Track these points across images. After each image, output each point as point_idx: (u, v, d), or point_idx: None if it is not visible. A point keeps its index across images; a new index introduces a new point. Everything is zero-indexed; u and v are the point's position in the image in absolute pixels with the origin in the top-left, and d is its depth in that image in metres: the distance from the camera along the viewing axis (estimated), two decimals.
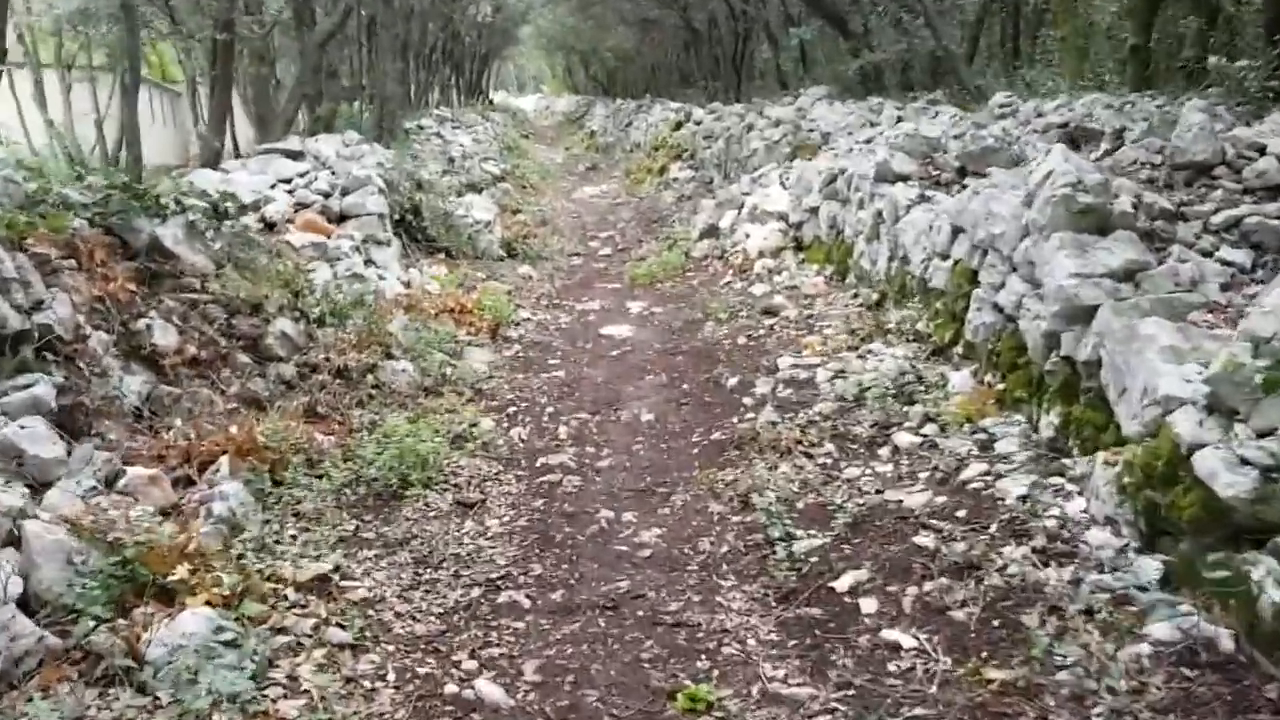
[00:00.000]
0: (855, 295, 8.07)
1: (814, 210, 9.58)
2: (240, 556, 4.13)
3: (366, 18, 21.03)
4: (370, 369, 6.71)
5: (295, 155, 10.65)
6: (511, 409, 6.67)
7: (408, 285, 9.33)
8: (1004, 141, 7.69)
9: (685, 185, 16.99)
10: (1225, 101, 6.23)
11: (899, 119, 11.51)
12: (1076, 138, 7.22)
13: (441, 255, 10.96)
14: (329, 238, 9.34)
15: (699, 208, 13.94)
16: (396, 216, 10.51)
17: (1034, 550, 3.83)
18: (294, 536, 4.50)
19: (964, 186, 7.49)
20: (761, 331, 7.77)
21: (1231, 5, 6.76)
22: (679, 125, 20.71)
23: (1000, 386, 5.21)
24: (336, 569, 4.23)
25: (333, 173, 10.41)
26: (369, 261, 9.49)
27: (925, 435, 5.06)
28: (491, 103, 46.56)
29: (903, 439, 5.06)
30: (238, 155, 12.80)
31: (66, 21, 22.53)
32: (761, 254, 10.04)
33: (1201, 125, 5.43)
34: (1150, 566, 3.51)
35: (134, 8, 10.08)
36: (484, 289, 9.89)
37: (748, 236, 10.56)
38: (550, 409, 6.67)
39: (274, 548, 4.32)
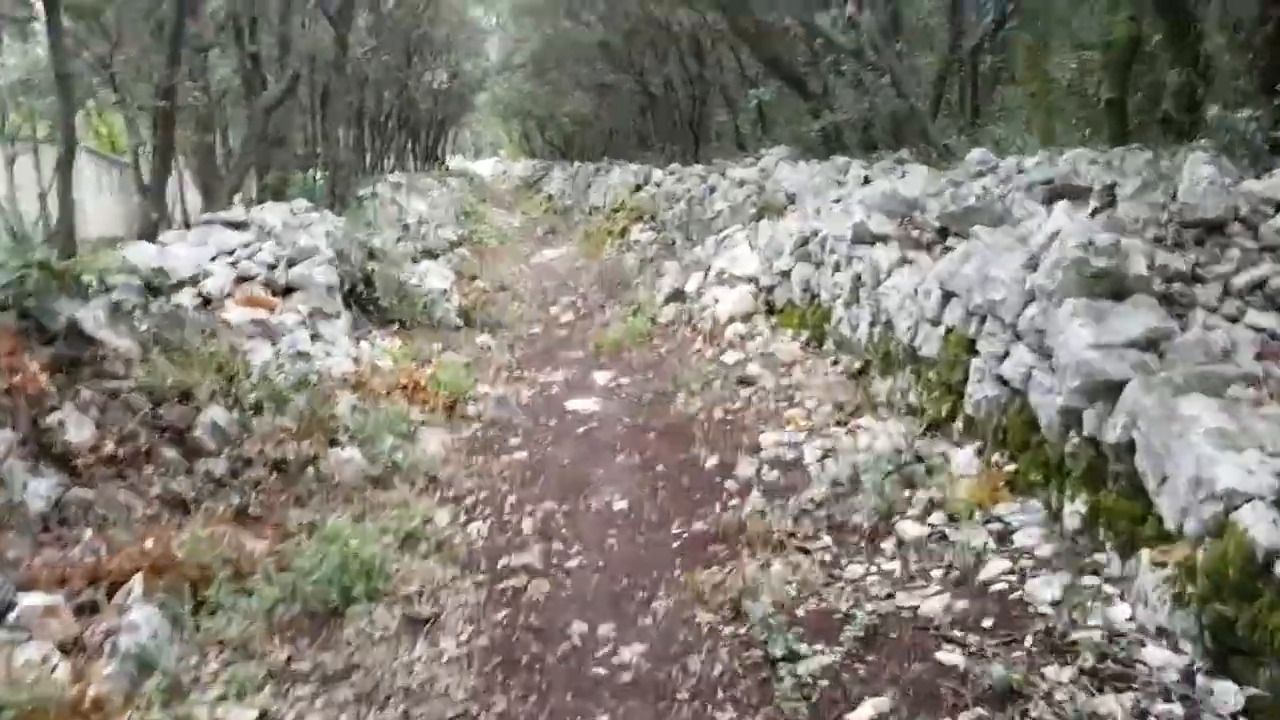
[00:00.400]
0: (835, 362, 7.58)
1: (786, 273, 9.14)
2: (148, 707, 3.45)
3: (320, 85, 20.67)
4: (312, 460, 6.05)
5: (239, 225, 10.04)
6: (470, 499, 6.03)
7: (358, 361, 8.69)
8: (986, 200, 7.30)
9: (647, 248, 16.57)
10: (1224, 154, 5.87)
11: (866, 179, 11.18)
12: (1064, 195, 6.84)
13: (395, 326, 10.34)
14: (272, 312, 8.70)
15: (663, 270, 13.48)
16: (347, 287, 9.90)
17: (1083, 671, 3.27)
18: (215, 673, 3.81)
19: (947, 248, 7.07)
20: (738, 404, 7.23)
21: (1226, 54, 6.49)
22: (638, 187, 20.40)
23: (1011, 468, 4.69)
24: (264, 715, 3.55)
25: (278, 243, 9.80)
26: (316, 336, 8.85)
27: (933, 525, 4.51)
28: (448, 168, 46.34)
29: (908, 530, 4.51)
30: (187, 226, 12.16)
31: (8, 93, 21.81)
32: (732, 319, 9.55)
33: (1211, 180, 5.04)
34: (1227, 694, 2.96)
35: (69, 77, 9.48)
36: (440, 362, 9.27)
37: (716, 301, 10.09)
38: (513, 498, 6.04)
39: (190, 691, 3.64)
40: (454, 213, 19.94)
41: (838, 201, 10.60)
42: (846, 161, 12.47)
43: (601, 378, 8.97)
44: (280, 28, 12.47)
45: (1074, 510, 4.13)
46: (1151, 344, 4.21)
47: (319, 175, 19.54)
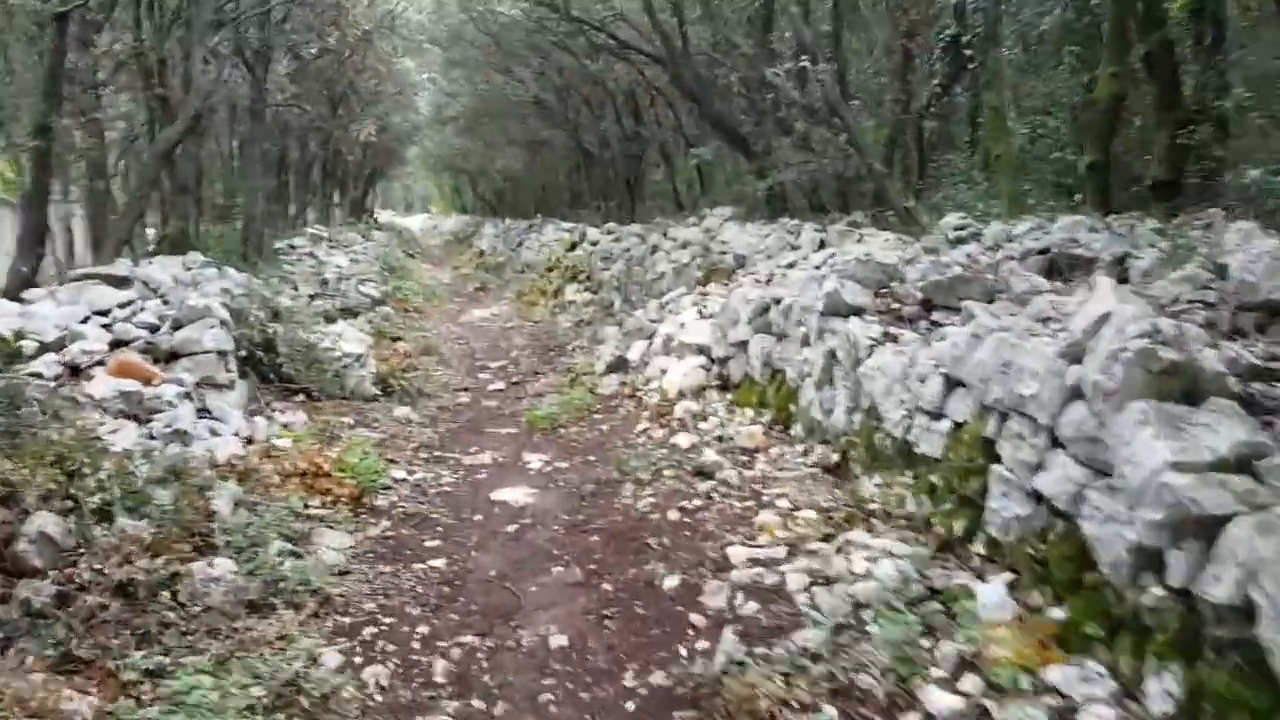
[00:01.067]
0: (806, 452, 6.56)
1: (743, 344, 8.14)
2: None
3: (237, 132, 19.32)
4: (170, 579, 4.76)
5: (120, 282, 8.70)
6: (369, 629, 4.79)
7: (250, 441, 7.38)
8: (974, 270, 6.43)
9: (583, 309, 15.54)
10: (1249, 220, 5.06)
11: (821, 243, 10.35)
12: (1065, 266, 5.99)
13: (301, 398, 9.04)
14: (150, 384, 7.37)
15: (602, 335, 12.43)
16: (244, 353, 8.60)
17: None
18: None
19: (934, 323, 6.15)
20: (697, 501, 6.13)
21: (1252, 111, 5.81)
22: (573, 246, 19.43)
23: (1058, 614, 3.67)
24: None
25: (165, 302, 8.49)
26: (203, 411, 7.54)
27: (968, 694, 3.45)
28: (377, 222, 44.92)
29: (937, 701, 3.44)
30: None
31: None
32: (682, 394, 8.50)
33: (1275, 254, 4.17)
34: None
35: None
36: (349, 441, 8.02)
37: (664, 373, 9.04)
38: (424, 627, 4.83)
39: None
40: (378, 268, 18.70)
41: (791, 266, 9.73)
42: (797, 224, 11.66)
43: (536, 460, 7.80)
44: (184, 64, 11.21)
45: (1163, 689, 3.11)
46: (1243, 463, 3.26)
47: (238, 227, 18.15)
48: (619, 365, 10.15)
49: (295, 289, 15.58)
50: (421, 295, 19.31)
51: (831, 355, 6.41)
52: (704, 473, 6.53)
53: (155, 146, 10.73)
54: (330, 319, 13.95)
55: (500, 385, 11.27)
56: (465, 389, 11.17)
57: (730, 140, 14.97)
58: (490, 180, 39.92)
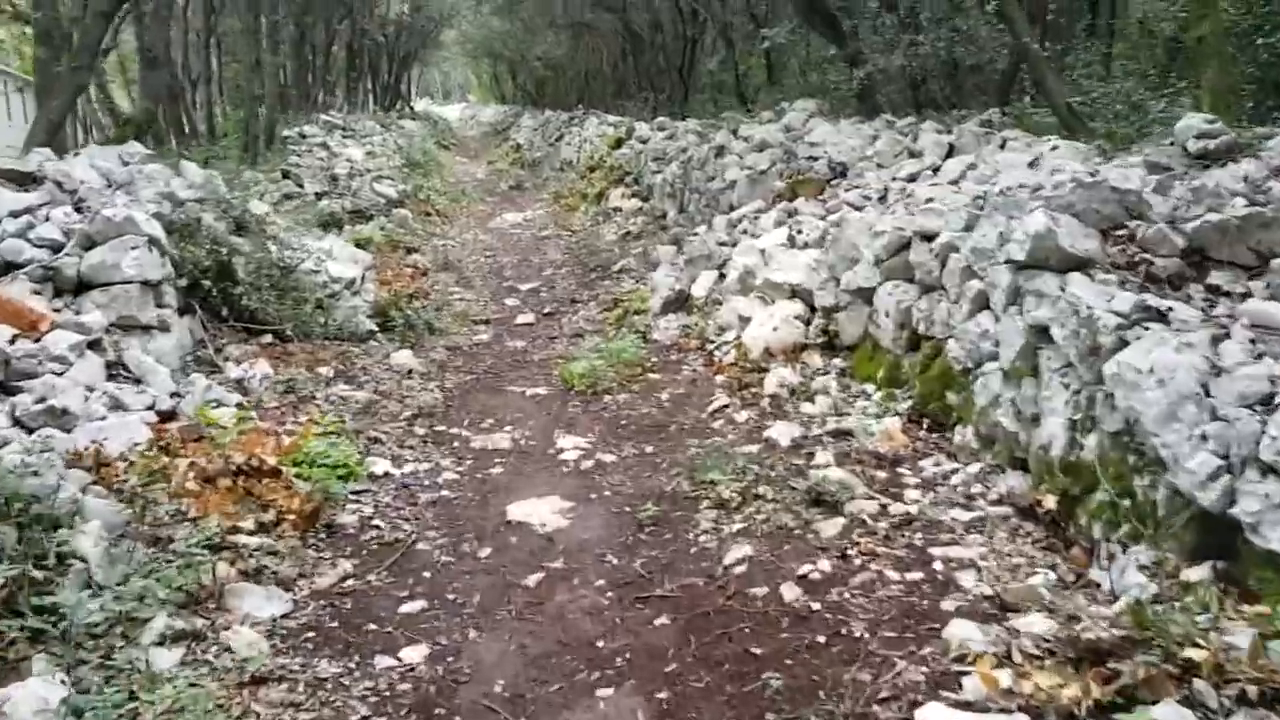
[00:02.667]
0: (983, 474, 4.24)
1: (863, 293, 5.73)
2: None
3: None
4: None
5: (23, 180, 6.42)
6: None
7: (171, 417, 5.19)
8: (1273, 203, 3.95)
9: (631, 219, 13.06)
10: None
11: (950, 149, 7.77)
12: None
13: (268, 339, 6.81)
14: (37, 329, 5.18)
15: (655, 257, 10.01)
16: (187, 282, 6.35)
17: None
18: None
19: (1213, 289, 3.73)
20: (825, 564, 3.81)
21: None
22: (619, 143, 16.78)
23: None
24: None
25: (79, 210, 6.21)
26: (117, 369, 5.35)
27: None
28: (413, 110, 42.04)
29: None
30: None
31: None
32: (770, 354, 6.16)
33: None
34: None
35: None
36: (320, 409, 5.81)
37: (743, 321, 6.67)
38: None
39: None
40: (398, 162, 16.25)
41: (913, 180, 7.23)
42: (911, 123, 9.02)
43: (571, 447, 5.53)
44: None
45: None
46: None
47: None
48: (679, 303, 7.78)
49: (300, 185, 13.27)
50: (447, 196, 16.85)
51: (1040, 333, 4.01)
52: (825, 501, 4.23)
53: (94, 3, 8.28)
54: (332, 225, 11.67)
55: (529, 317, 8.95)
56: (486, 321, 8.87)
57: (814, 19, 12.15)
58: (530, 68, 36.76)
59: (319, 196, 13.10)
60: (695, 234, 9.51)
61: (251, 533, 4.31)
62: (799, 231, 7.17)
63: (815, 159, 8.85)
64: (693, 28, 19.26)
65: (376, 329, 7.71)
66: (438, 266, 11.28)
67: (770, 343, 6.17)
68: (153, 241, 5.94)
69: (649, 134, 15.47)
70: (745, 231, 8.59)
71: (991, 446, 4.29)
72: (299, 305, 7.13)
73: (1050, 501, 3.73)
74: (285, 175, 13.41)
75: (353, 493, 4.79)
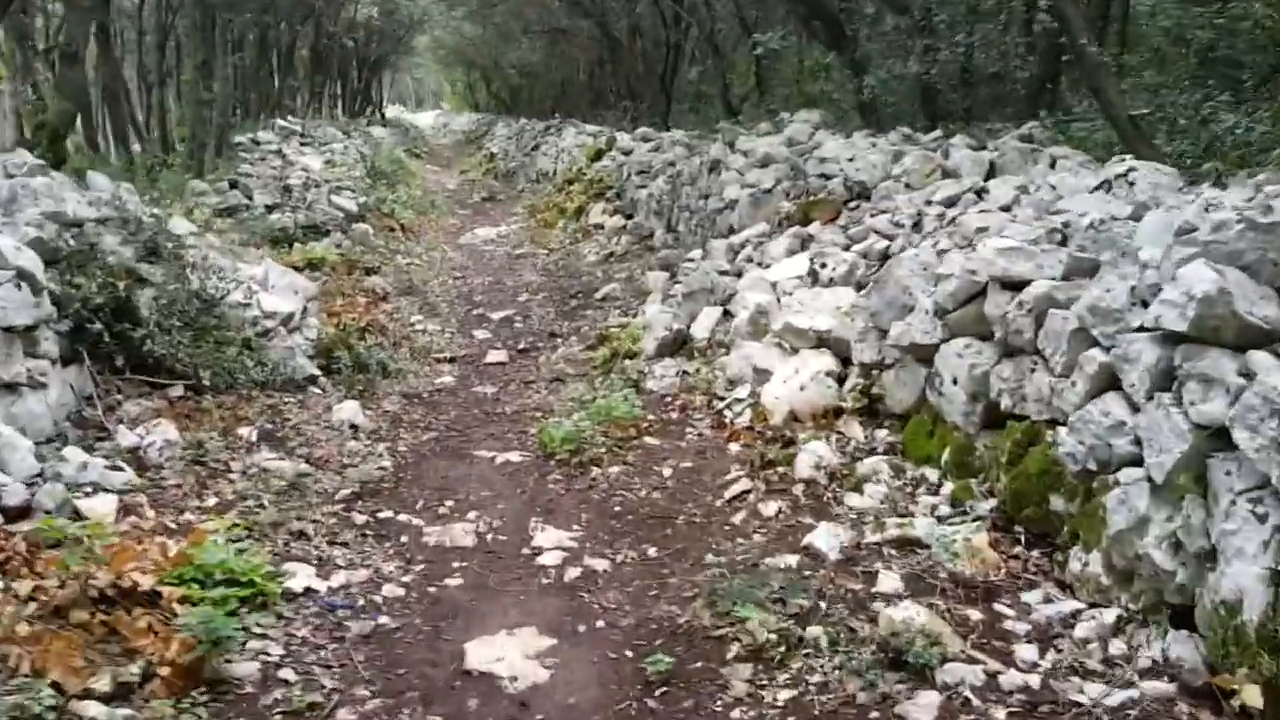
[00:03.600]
0: (1120, 627, 3.05)
1: (920, 351, 4.53)
2: None
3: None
4: None
5: None
6: None
7: (24, 514, 3.88)
8: None
9: (614, 238, 11.84)
10: None
11: (991, 168, 6.64)
12: None
13: (180, 394, 5.50)
14: None
15: (644, 282, 8.81)
16: (71, 324, 5.03)
17: None
18: None
19: None
20: None
21: None
22: (599, 154, 15.56)
23: None
24: None
25: None
26: None
27: None
28: (383, 117, 40.56)
29: None
30: None
31: None
32: (796, 417, 4.96)
33: None
34: None
35: None
36: (227, 492, 4.54)
37: (759, 374, 5.46)
38: None
39: None
40: (360, 171, 14.91)
41: (951, 204, 6.08)
42: (937, 138, 7.89)
43: (551, 545, 4.27)
44: None
45: None
46: None
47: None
48: (677, 344, 6.57)
49: (249, 197, 11.91)
50: (414, 208, 15.53)
51: (1213, 436, 2.84)
52: (906, 663, 3.02)
53: None
54: (283, 241, 10.37)
55: (502, 355, 7.69)
56: (451, 359, 7.60)
57: (814, 24, 11.01)
58: (504, 76, 35.49)
59: (269, 210, 11.76)
60: (690, 260, 8.30)
61: (106, 698, 3.04)
62: (822, 265, 5.97)
63: (828, 177, 7.68)
64: (675, 33, 18.09)
65: (318, 373, 6.42)
66: (399, 290, 9.98)
67: (796, 405, 4.97)
68: (23, 275, 4.63)
69: (631, 145, 14.28)
70: (750, 260, 7.41)
71: (1131, 585, 3.11)
72: (220, 347, 5.83)
73: (1250, 694, 2.53)
74: (233, 186, 12.04)
75: (254, 627, 3.51)
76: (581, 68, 26.56)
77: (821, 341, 5.34)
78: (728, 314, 6.56)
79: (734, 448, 5.05)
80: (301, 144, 14.56)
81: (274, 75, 22.09)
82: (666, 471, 4.94)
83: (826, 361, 5.07)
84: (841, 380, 5.06)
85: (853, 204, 7.23)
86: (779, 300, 6.06)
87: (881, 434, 4.72)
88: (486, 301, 9.83)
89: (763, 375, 5.41)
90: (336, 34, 24.19)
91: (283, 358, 6.21)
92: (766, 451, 4.70)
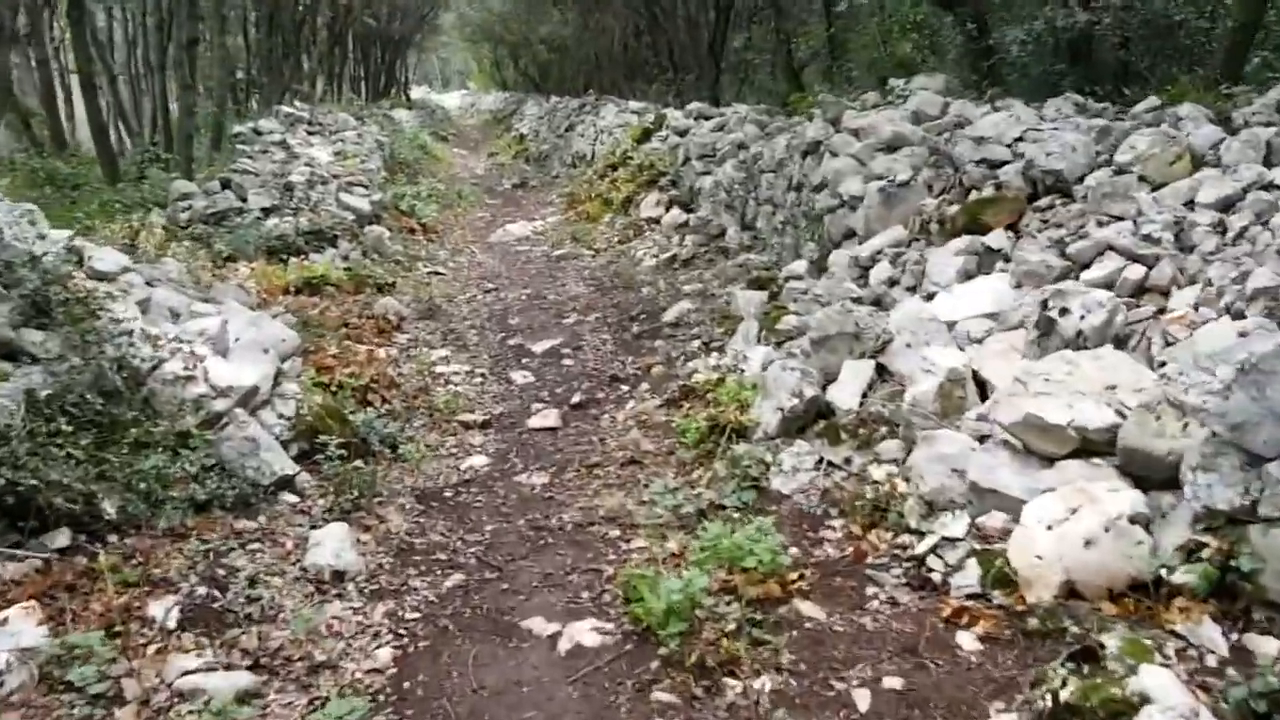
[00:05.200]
0: None
1: None
2: None
3: None
4: None
5: None
6: None
7: None
8: None
9: (674, 236, 9.67)
10: None
11: (1270, 150, 4.38)
12: None
13: (63, 545, 3.45)
14: None
15: (727, 300, 6.67)
16: None
17: None
18: None
19: None
20: None
21: None
22: (647, 134, 13.35)
23: None
24: None
25: None
26: None
27: None
28: (408, 99, 38.43)
29: None
30: None
31: None
32: (1076, 591, 2.82)
33: None
34: None
35: None
36: None
37: (981, 496, 3.30)
38: None
39: None
40: (376, 163, 12.81)
41: (1229, 209, 3.85)
42: (1153, 108, 5.62)
43: None
44: None
45: None
46: None
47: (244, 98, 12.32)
48: (809, 416, 4.41)
49: (243, 200, 9.87)
50: (439, 201, 13.42)
51: None
52: None
53: None
54: (282, 252, 8.35)
55: (551, 416, 5.57)
56: (484, 424, 5.51)
57: None
58: (533, 51, 33.15)
59: (266, 213, 9.71)
60: (797, 278, 6.13)
61: None
62: (1061, 311, 3.77)
63: (992, 164, 5.46)
64: None
65: (295, 469, 4.36)
66: (418, 313, 7.92)
67: (1079, 572, 2.83)
68: None
69: (686, 124, 12.04)
70: (893, 281, 5.23)
71: None
72: (138, 454, 3.78)
73: None
74: (225, 185, 10.00)
75: None
76: (616, 39, 24.19)
77: (1085, 443, 3.17)
78: (883, 373, 4.39)
79: (968, 642, 2.92)
80: (309, 133, 12.48)
81: (293, 56, 19.99)
82: (860, 698, 2.81)
83: (1129, 501, 2.90)
84: (1147, 523, 2.89)
85: (1043, 202, 5.01)
86: (979, 361, 3.90)
87: (1261, 644, 2.56)
88: (525, 325, 7.72)
89: (988, 498, 3.26)
90: (354, 11, 22.02)
91: (240, 455, 4.15)
92: (1048, 674, 2.56)
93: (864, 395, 4.36)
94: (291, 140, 11.96)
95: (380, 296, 8.09)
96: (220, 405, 4.28)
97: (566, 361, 6.72)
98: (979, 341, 4.26)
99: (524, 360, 6.83)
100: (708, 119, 11.65)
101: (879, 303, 5.14)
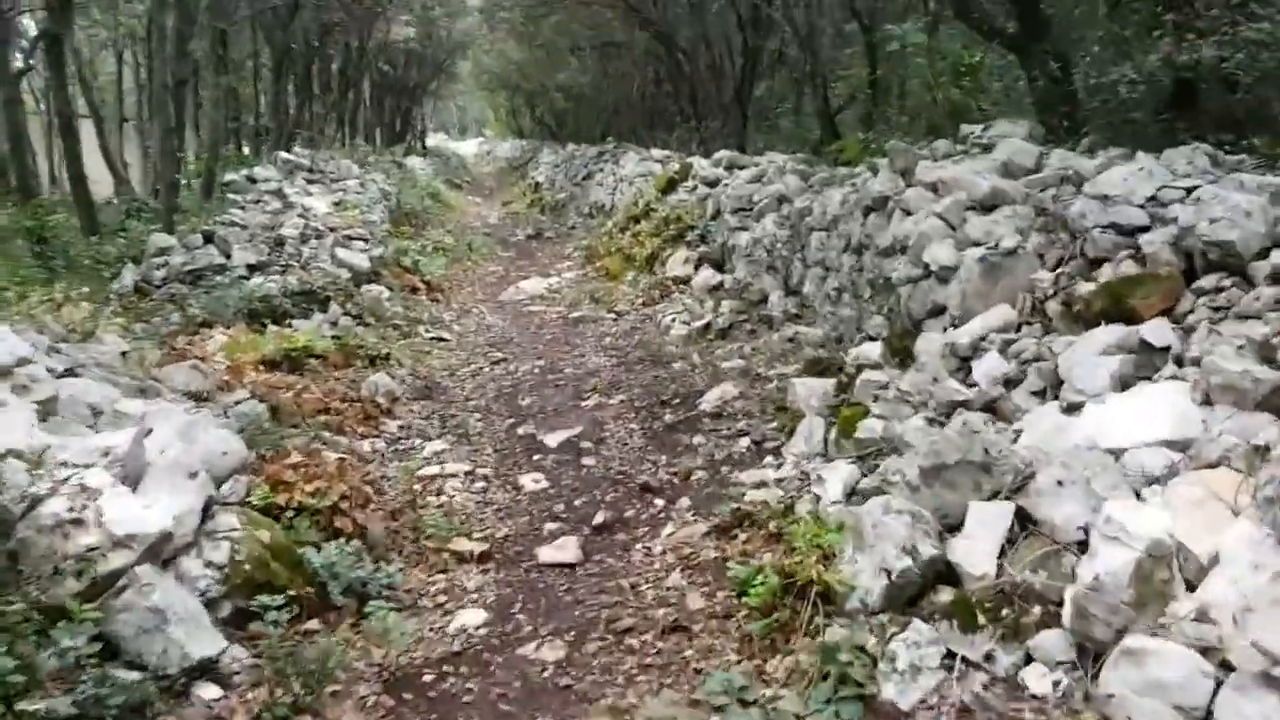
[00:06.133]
0: None
1: None
2: None
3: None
4: None
5: None
6: None
7: None
8: None
9: (707, 300, 8.49)
10: None
11: None
12: None
13: None
14: None
15: (788, 396, 5.43)
16: None
17: None
18: None
19: None
20: None
21: None
22: (671, 185, 12.27)
23: None
24: None
25: None
26: None
27: None
28: (424, 146, 37.80)
29: None
30: None
31: None
32: None
33: None
34: None
35: None
36: None
37: None
38: None
39: None
40: (380, 213, 11.73)
41: None
42: None
43: None
44: None
45: None
46: None
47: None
48: (925, 584, 3.17)
49: (227, 256, 8.81)
50: (446, 254, 12.34)
51: None
52: None
53: None
54: (265, 315, 7.26)
55: (567, 545, 4.34)
56: (483, 555, 4.29)
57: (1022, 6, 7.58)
58: (549, 99, 32.45)
59: (252, 270, 8.64)
60: (873, 365, 4.92)
61: None
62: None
63: (1128, 230, 4.27)
64: (755, 37, 14.75)
65: (222, 646, 3.15)
66: (414, 391, 6.76)
67: None
68: None
69: (716, 174, 10.94)
70: (1013, 383, 4.01)
71: None
72: None
73: None
74: (208, 240, 8.96)
75: None
76: (636, 86, 23.34)
77: None
78: (1027, 523, 3.16)
79: None
80: (309, 181, 11.45)
81: (307, 102, 19.13)
82: None
83: None
84: None
85: (1206, 282, 3.80)
86: (1137, 491, 2.68)
87: None
88: (537, 409, 6.52)
89: None
90: (367, 57, 21.24)
91: (139, 634, 2.95)
92: None
93: (1001, 553, 3.13)
94: (289, 189, 10.93)
95: (371, 371, 6.94)
96: (117, 560, 3.09)
97: (586, 460, 5.51)
98: (1157, 481, 3.04)
99: (535, 456, 5.63)
100: (740, 168, 10.55)
101: (993, 409, 3.92)
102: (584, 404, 6.59)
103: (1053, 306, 4.40)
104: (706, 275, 8.86)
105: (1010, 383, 4.03)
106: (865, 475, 3.93)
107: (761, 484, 4.49)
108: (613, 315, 9.25)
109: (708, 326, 7.76)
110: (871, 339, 5.78)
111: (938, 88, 9.96)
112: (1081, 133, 5.89)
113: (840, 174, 8.07)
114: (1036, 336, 4.31)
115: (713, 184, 10.69)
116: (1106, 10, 6.60)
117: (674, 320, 8.29)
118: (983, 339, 4.43)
